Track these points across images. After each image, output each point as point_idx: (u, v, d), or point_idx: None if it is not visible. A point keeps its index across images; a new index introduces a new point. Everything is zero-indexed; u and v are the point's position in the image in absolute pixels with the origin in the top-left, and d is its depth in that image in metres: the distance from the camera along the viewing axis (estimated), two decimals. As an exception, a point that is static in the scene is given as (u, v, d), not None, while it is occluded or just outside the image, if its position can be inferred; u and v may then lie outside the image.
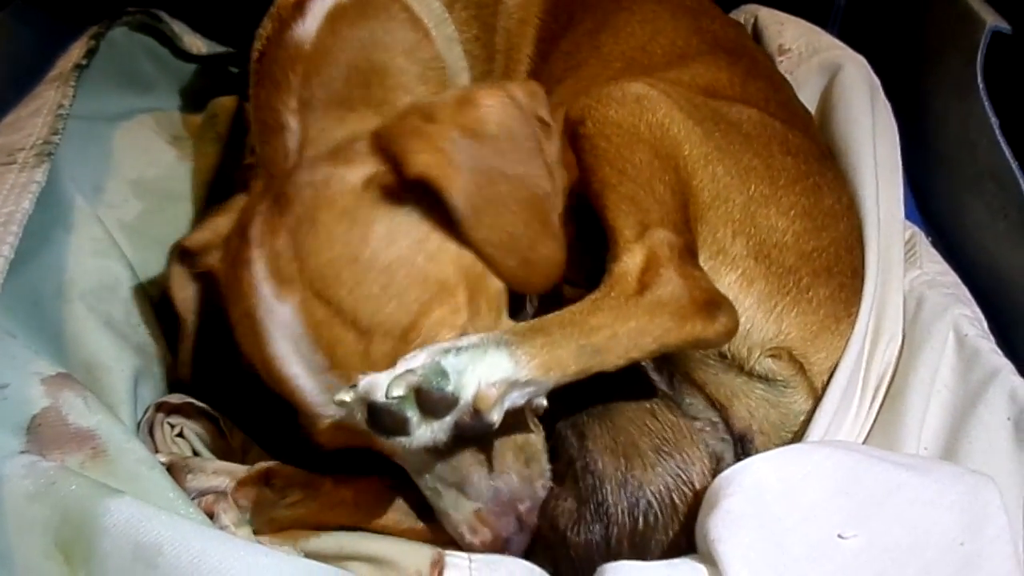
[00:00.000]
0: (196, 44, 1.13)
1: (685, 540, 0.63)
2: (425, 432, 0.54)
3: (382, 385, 0.53)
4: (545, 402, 0.60)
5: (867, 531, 0.55)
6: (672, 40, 0.86)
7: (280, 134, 0.72)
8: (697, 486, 0.64)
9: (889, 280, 0.78)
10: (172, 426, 0.78)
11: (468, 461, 0.64)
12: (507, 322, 0.67)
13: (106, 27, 1.01)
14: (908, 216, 0.88)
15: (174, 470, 0.71)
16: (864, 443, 0.72)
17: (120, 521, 0.49)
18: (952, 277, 0.83)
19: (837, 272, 0.72)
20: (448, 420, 0.54)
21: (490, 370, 0.55)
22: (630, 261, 0.62)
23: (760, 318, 0.67)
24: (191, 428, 0.79)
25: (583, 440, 0.66)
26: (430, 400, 0.53)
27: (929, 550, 0.54)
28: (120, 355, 0.75)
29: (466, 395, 0.54)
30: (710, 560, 0.56)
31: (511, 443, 0.66)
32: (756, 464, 0.61)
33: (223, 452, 0.79)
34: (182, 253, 0.73)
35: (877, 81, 0.95)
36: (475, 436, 0.60)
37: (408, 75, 0.76)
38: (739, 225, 0.68)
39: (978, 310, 0.79)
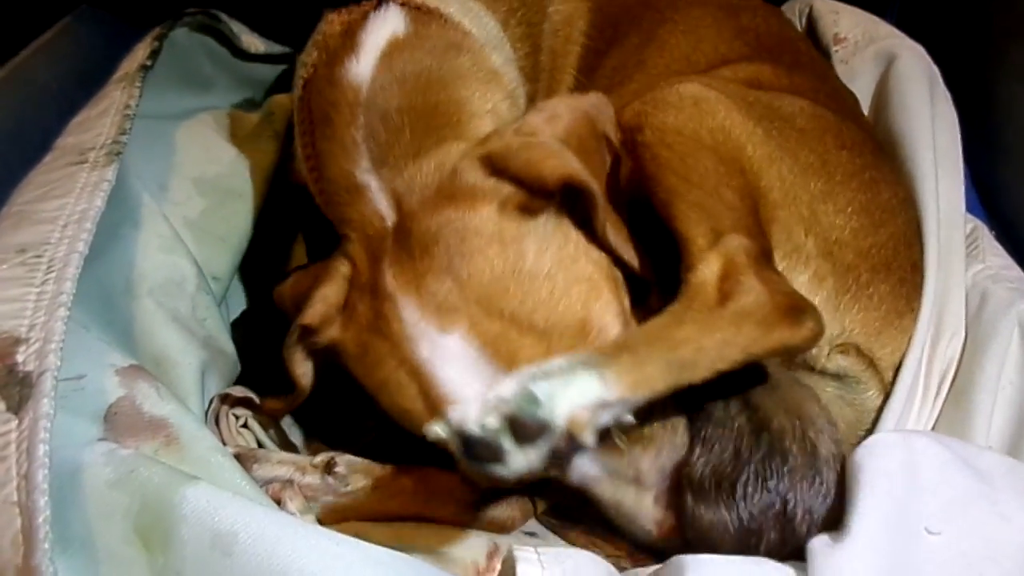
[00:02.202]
0: (254, 43, 1.15)
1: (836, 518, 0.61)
2: (520, 460, 0.54)
3: (474, 415, 0.53)
4: (632, 418, 0.60)
5: (948, 532, 0.55)
6: (715, 46, 0.86)
7: (362, 195, 0.71)
8: (842, 462, 0.63)
9: (950, 274, 0.77)
10: (237, 417, 0.79)
11: (637, 452, 0.65)
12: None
13: (168, 28, 1.02)
14: (971, 209, 0.86)
15: (241, 460, 0.72)
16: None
17: (197, 509, 0.51)
18: (1017, 271, 0.82)
19: (896, 267, 0.71)
20: (542, 445, 0.54)
21: (581, 393, 0.55)
22: (706, 270, 0.61)
23: (827, 316, 0.66)
24: (255, 419, 0.80)
25: (746, 400, 0.64)
26: (523, 428, 0.53)
27: (1006, 562, 0.54)
28: (187, 349, 0.76)
29: (559, 420, 0.54)
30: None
31: (659, 415, 0.66)
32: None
33: (285, 443, 0.81)
34: (303, 331, 0.71)
35: (936, 70, 0.93)
36: (569, 458, 0.61)
37: (472, 102, 0.74)
38: (809, 223, 0.67)
39: (1045, 305, 0.77)
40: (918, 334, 0.71)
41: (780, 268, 0.65)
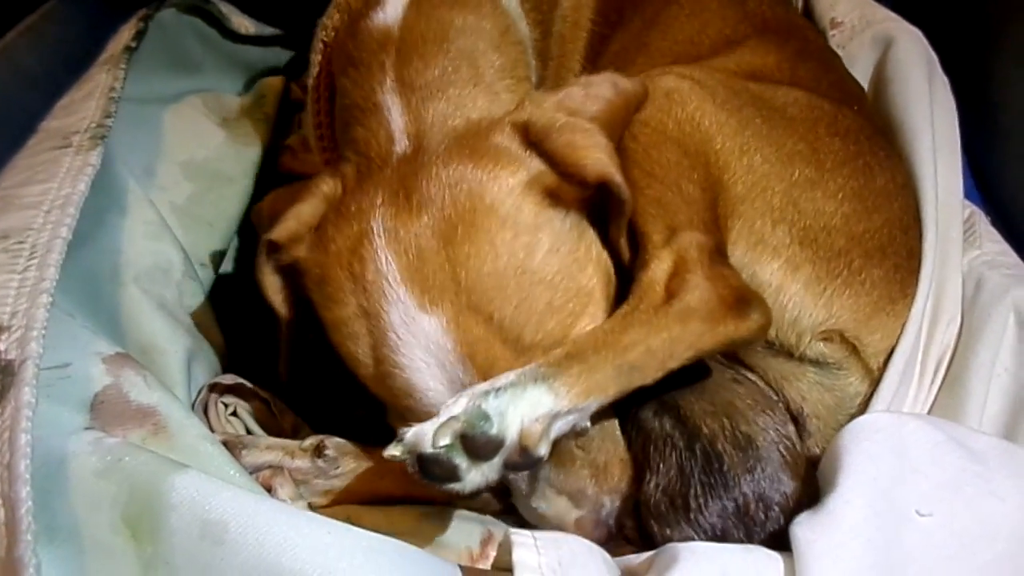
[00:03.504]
0: (244, 24, 1.13)
1: (805, 497, 0.62)
2: (476, 476, 0.54)
3: (429, 435, 0.54)
4: (588, 424, 0.60)
5: (940, 513, 0.55)
6: (719, 30, 0.84)
7: (376, 112, 0.66)
8: (795, 442, 0.64)
9: (947, 260, 0.76)
10: (226, 406, 0.79)
11: (585, 473, 0.65)
12: None
13: (155, 8, 1.01)
14: (967, 195, 0.86)
15: (229, 447, 0.71)
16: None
17: (186, 498, 0.50)
18: (1013, 258, 0.81)
19: (891, 253, 0.71)
20: (496, 461, 0.55)
21: (531, 406, 0.55)
22: (658, 268, 0.62)
23: (809, 303, 0.66)
24: (244, 408, 0.80)
25: (677, 411, 0.65)
26: (476, 445, 0.54)
27: (1000, 542, 0.54)
28: (173, 337, 0.75)
29: (511, 435, 0.54)
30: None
31: (617, 456, 0.66)
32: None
33: (274, 432, 0.80)
34: (270, 247, 0.67)
35: (934, 55, 0.92)
36: (525, 470, 0.60)
37: (498, 68, 0.70)
38: (780, 213, 0.67)
39: (1041, 291, 0.77)
40: (912, 320, 0.70)
41: (745, 260, 0.65)
